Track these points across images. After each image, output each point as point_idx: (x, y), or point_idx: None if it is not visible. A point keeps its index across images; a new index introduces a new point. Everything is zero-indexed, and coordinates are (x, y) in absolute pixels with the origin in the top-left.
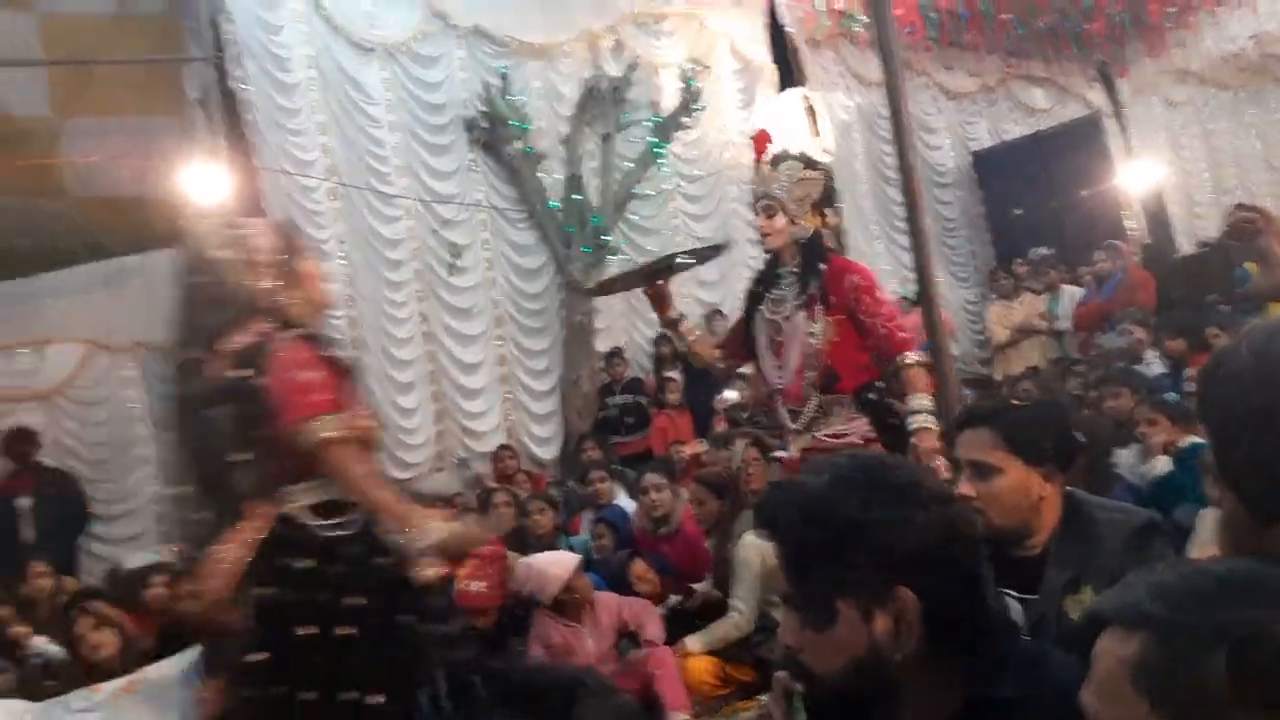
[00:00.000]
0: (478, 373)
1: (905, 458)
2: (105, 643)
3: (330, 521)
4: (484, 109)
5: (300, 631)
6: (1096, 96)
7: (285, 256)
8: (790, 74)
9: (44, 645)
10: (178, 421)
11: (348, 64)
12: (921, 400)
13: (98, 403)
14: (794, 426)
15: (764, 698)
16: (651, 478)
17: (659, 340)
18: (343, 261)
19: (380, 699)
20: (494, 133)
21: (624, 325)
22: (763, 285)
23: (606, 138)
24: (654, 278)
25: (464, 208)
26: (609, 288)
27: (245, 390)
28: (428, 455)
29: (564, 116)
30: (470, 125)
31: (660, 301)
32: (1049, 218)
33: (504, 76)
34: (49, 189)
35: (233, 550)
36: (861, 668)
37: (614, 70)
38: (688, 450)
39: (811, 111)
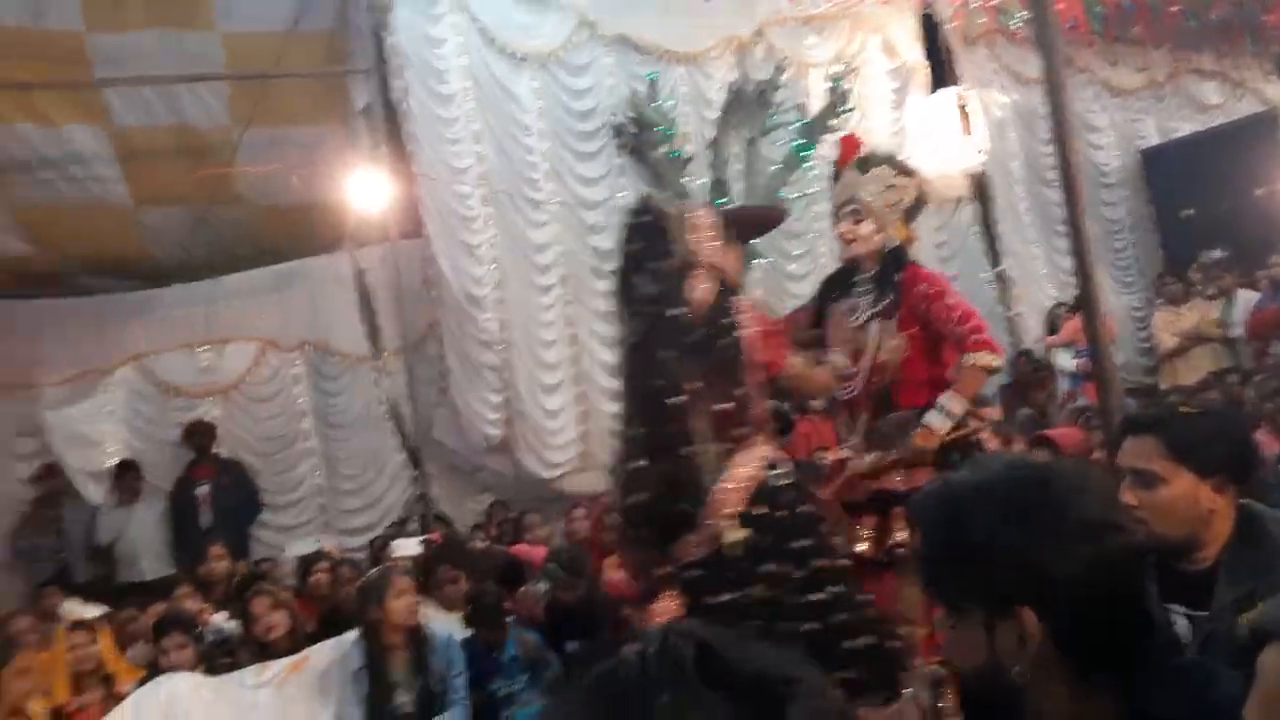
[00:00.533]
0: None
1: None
2: (278, 623)
3: (777, 471)
4: (631, 115)
5: (759, 570)
6: (1274, 91)
7: (721, 228)
8: (943, 72)
9: (222, 622)
10: (636, 370)
11: (501, 74)
12: (950, 400)
13: (268, 399)
14: (848, 438)
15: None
16: None
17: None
18: (493, 266)
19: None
20: (641, 138)
21: None
22: (835, 291)
23: (751, 141)
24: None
25: (611, 212)
26: None
27: (722, 345)
28: (572, 455)
29: (709, 120)
30: (618, 131)
31: None
32: (1221, 219)
33: (652, 83)
34: (227, 197)
35: (731, 493)
36: (982, 673)
37: (761, 74)
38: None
39: (964, 111)
